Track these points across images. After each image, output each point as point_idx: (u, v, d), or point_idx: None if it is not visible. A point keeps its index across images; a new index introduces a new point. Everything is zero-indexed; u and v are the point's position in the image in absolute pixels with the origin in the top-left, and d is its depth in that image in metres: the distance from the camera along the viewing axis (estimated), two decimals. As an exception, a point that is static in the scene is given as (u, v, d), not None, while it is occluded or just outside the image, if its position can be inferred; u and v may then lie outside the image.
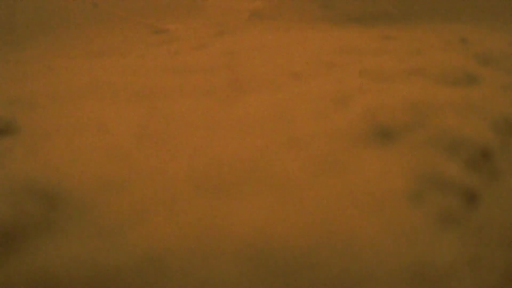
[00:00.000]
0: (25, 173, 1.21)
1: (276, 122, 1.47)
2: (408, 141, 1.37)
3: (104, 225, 1.05)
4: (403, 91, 1.67)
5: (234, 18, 3.78)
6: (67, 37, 3.44)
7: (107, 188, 1.15)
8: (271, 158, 1.28)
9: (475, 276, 0.98)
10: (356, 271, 0.95)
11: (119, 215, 1.07)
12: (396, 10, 3.73)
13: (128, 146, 1.34)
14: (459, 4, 3.80)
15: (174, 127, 1.46)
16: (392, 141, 1.38)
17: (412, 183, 1.19)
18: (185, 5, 4.28)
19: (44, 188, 1.15)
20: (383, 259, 0.98)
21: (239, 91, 1.76)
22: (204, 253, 0.98)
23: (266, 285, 0.93)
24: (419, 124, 1.45)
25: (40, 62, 2.47)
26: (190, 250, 0.98)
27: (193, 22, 3.74)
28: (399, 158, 1.29)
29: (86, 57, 2.65)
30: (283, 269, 0.95)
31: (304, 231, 1.03)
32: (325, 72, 1.95)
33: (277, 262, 0.96)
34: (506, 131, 1.46)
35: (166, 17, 3.91)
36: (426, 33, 2.77)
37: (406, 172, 1.23)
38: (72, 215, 1.07)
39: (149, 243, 1.00)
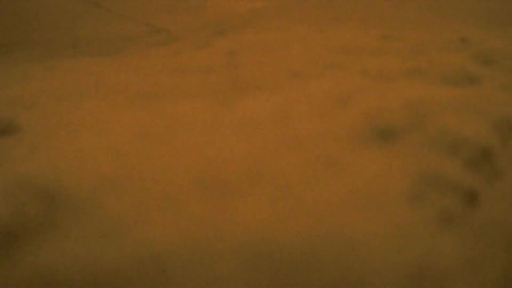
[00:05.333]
0: (25, 173, 1.21)
1: (276, 122, 1.47)
2: (408, 141, 1.37)
3: (104, 225, 1.05)
4: (403, 91, 1.67)
5: (235, 18, 3.78)
6: (67, 37, 3.44)
7: (108, 188, 1.16)
8: (271, 158, 1.28)
9: (475, 276, 0.98)
10: (356, 271, 0.95)
11: (119, 215, 1.07)
12: (396, 10, 3.73)
13: (128, 146, 1.34)
14: (459, 4, 3.80)
15: (174, 127, 1.46)
16: (392, 141, 1.38)
17: (412, 183, 1.19)
18: (186, 5, 4.28)
19: (44, 188, 1.15)
20: (383, 259, 0.98)
21: (239, 91, 1.76)
22: (204, 253, 0.98)
23: (266, 285, 0.93)
24: (419, 124, 1.45)
25: (40, 62, 2.47)
26: (190, 250, 0.98)
27: (194, 22, 3.74)
28: (399, 158, 1.29)
29: (87, 57, 2.66)
30: (283, 269, 0.95)
31: (304, 231, 1.03)
32: (326, 72, 1.95)
33: (277, 261, 0.96)
34: (506, 131, 1.46)
35: (166, 17, 3.91)
36: (426, 33, 2.77)
37: (406, 172, 1.23)
38: (72, 215, 1.08)
39: (149, 243, 1.00)
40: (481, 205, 1.17)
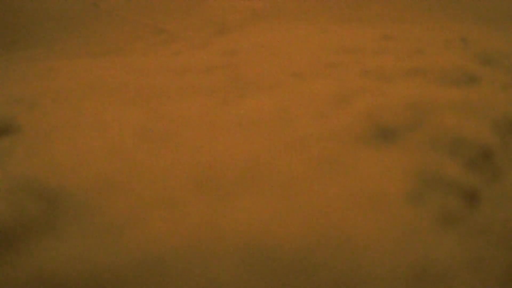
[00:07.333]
0: (25, 173, 1.21)
1: (277, 122, 1.47)
2: (408, 141, 1.37)
3: (104, 225, 1.05)
4: (403, 91, 1.67)
5: (235, 18, 3.78)
6: (67, 37, 3.44)
7: (107, 188, 1.15)
8: (271, 158, 1.28)
9: (476, 276, 0.98)
10: (356, 271, 0.95)
11: (119, 215, 1.07)
12: (396, 10, 3.73)
13: (128, 146, 1.34)
14: (459, 4, 3.80)
15: (174, 127, 1.46)
16: (392, 141, 1.38)
17: (413, 183, 1.19)
18: (186, 5, 4.28)
19: (44, 188, 1.15)
20: (383, 259, 0.98)
21: (239, 91, 1.76)
22: (204, 253, 0.98)
23: (266, 285, 0.93)
24: (419, 124, 1.45)
25: (40, 62, 2.47)
26: (190, 250, 0.98)
27: (194, 22, 3.74)
28: (399, 158, 1.29)
29: (86, 57, 2.65)
30: (283, 269, 0.95)
31: (304, 231, 1.03)
32: (326, 72, 1.95)
33: (277, 262, 0.96)
34: (507, 131, 1.46)
35: (166, 17, 3.91)
36: (426, 33, 2.77)
37: (407, 172, 1.23)
38: (72, 215, 1.07)
39: (149, 243, 1.00)
40: (482, 204, 1.17)
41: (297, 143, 1.35)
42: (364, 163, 1.26)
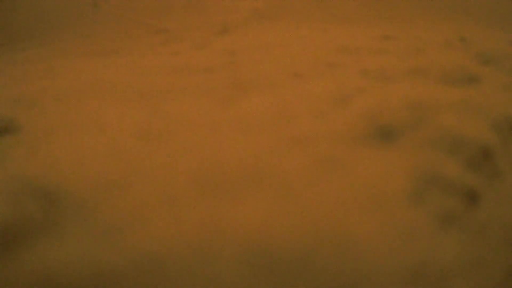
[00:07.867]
0: (25, 172, 1.21)
1: (277, 121, 1.47)
2: (408, 141, 1.37)
3: (104, 225, 1.05)
4: (403, 91, 1.67)
5: (235, 18, 3.77)
6: (67, 37, 3.44)
7: (107, 188, 1.15)
8: (271, 157, 1.28)
9: (476, 276, 0.98)
10: (356, 271, 0.95)
11: (119, 215, 1.07)
12: (396, 10, 3.73)
13: (128, 146, 1.34)
14: (459, 4, 3.80)
15: (175, 127, 1.46)
16: (392, 141, 1.38)
17: (413, 183, 1.19)
18: (186, 5, 4.28)
19: (44, 188, 1.15)
20: (383, 259, 0.98)
21: (239, 91, 1.76)
22: (205, 253, 0.98)
23: (266, 285, 0.93)
24: (420, 123, 1.45)
25: (40, 62, 2.47)
26: (190, 250, 0.98)
27: (194, 22, 3.73)
28: (399, 158, 1.29)
29: (87, 57, 2.65)
30: (283, 269, 0.95)
31: (304, 231, 1.03)
32: (326, 72, 1.95)
33: (277, 262, 0.96)
34: (507, 131, 1.46)
35: (166, 17, 3.91)
36: (426, 33, 2.77)
37: (407, 172, 1.23)
38: (72, 215, 1.07)
39: (149, 243, 1.00)
40: (482, 204, 1.17)
41: (297, 143, 1.35)
42: (364, 163, 1.26)
